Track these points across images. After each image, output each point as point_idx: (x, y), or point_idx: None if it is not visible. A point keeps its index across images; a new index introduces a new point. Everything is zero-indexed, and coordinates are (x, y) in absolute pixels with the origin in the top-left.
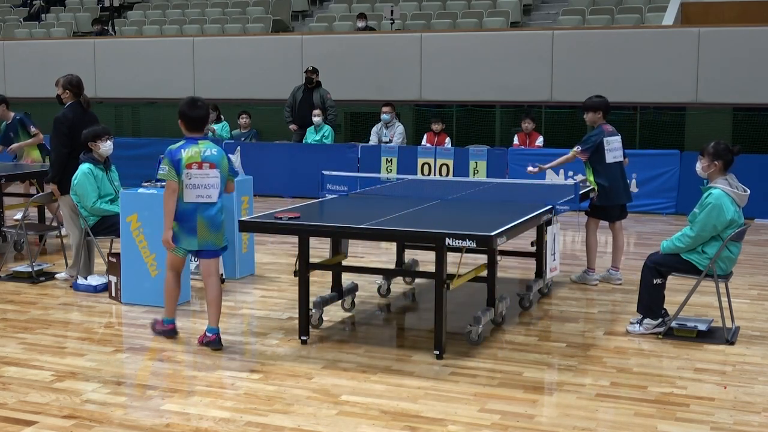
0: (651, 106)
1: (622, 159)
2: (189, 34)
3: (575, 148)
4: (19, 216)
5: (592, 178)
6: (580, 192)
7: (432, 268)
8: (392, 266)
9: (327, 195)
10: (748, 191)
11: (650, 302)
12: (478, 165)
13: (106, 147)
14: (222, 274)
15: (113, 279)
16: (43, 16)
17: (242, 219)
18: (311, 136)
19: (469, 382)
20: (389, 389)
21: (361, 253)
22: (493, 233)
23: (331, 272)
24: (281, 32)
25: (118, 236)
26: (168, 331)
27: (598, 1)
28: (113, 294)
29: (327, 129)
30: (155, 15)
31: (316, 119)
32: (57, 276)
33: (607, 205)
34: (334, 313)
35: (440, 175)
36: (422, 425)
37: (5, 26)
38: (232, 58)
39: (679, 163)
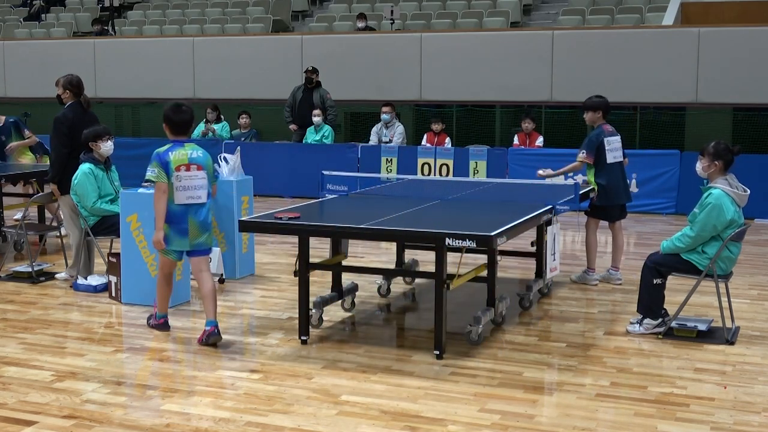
0: (651, 106)
1: (622, 159)
2: (189, 34)
3: (580, 155)
4: (19, 216)
5: (592, 179)
6: (580, 192)
7: (432, 268)
8: (392, 266)
9: (327, 195)
10: (748, 191)
11: (650, 302)
12: (478, 165)
13: (106, 147)
14: (222, 274)
15: (113, 279)
16: (43, 16)
17: (242, 219)
18: (311, 136)
19: (469, 382)
20: (389, 389)
21: (361, 253)
22: (493, 233)
23: (331, 272)
24: (281, 32)
25: (118, 236)
26: (160, 325)
27: (598, 1)
28: (113, 294)
29: (327, 129)
30: (155, 15)
31: (316, 119)
32: (57, 276)
33: (606, 205)
34: (334, 313)
35: (440, 175)
36: (422, 425)
37: (5, 26)
38: (232, 58)
39: (679, 163)
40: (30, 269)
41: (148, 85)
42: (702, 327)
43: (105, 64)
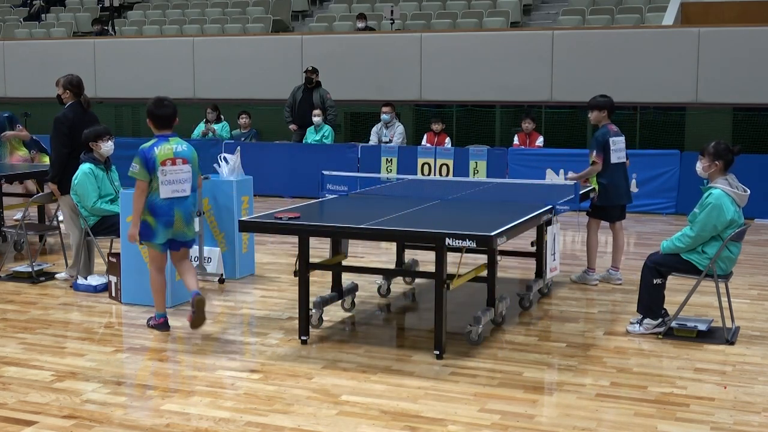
0: (651, 106)
1: (625, 160)
2: (189, 34)
3: (593, 156)
4: (19, 216)
5: (594, 178)
6: (580, 192)
7: (432, 268)
8: (392, 266)
9: (327, 195)
10: (748, 191)
11: (650, 302)
12: (478, 165)
13: (107, 147)
14: (222, 274)
15: (113, 279)
16: (43, 16)
17: (242, 219)
18: (311, 136)
19: (469, 382)
20: (389, 389)
21: (361, 253)
22: (493, 233)
23: (331, 272)
24: (281, 32)
25: (118, 236)
26: (160, 324)
27: (598, 1)
28: (113, 294)
29: (327, 129)
30: (155, 15)
31: (316, 119)
32: (57, 276)
33: (607, 205)
34: (334, 313)
35: (440, 175)
36: (422, 425)
37: (5, 26)
38: (232, 58)
39: (679, 163)
40: (30, 269)
41: (148, 85)
42: (702, 327)
43: (105, 64)
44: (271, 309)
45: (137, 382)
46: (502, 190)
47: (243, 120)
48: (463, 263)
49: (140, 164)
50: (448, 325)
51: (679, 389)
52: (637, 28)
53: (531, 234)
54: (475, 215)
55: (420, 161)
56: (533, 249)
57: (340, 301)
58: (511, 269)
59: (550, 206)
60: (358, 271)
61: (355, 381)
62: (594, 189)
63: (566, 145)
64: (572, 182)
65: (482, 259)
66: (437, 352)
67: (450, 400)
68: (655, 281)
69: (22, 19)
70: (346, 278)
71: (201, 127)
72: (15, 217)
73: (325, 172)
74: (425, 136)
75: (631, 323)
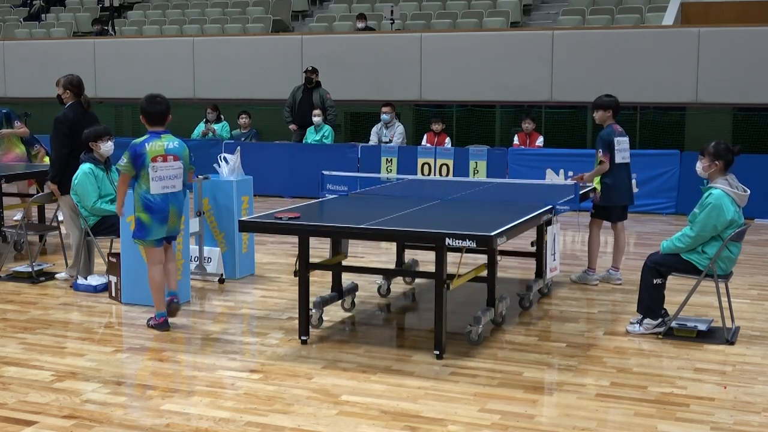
0: (651, 106)
1: (629, 161)
2: (189, 34)
3: (599, 155)
4: (19, 216)
5: (597, 178)
6: (580, 192)
7: (432, 268)
8: (392, 266)
9: (327, 195)
10: (748, 191)
11: (650, 302)
12: (478, 165)
13: (107, 147)
14: (222, 274)
15: (113, 279)
16: (43, 16)
17: (242, 219)
18: (311, 136)
19: (469, 382)
20: (389, 389)
21: (361, 253)
22: (493, 233)
23: (331, 272)
24: (281, 32)
25: (118, 236)
26: (160, 324)
27: (598, 1)
28: (113, 294)
29: (327, 129)
30: (155, 15)
31: (316, 119)
32: (57, 276)
33: (608, 205)
34: (334, 313)
35: (440, 175)
36: (422, 425)
37: (5, 26)
38: (232, 58)
39: (679, 163)
40: (30, 269)
41: (148, 85)
42: (702, 327)
43: (105, 64)
44: (271, 309)
45: (137, 382)
46: (502, 190)
47: (243, 120)
48: (463, 263)
49: (128, 159)
50: (448, 325)
51: (679, 389)
52: (637, 28)
53: (531, 234)
54: (475, 215)
55: (420, 161)
56: (533, 249)
57: (340, 301)
58: (511, 269)
59: (550, 206)
60: (358, 271)
61: (355, 381)
62: (594, 189)
63: (566, 145)
64: (582, 183)
65: (482, 259)
66: (437, 352)
67: (450, 400)
68: (655, 281)
69: (22, 19)
70: (346, 278)
71: (201, 127)
72: (15, 217)
73: (325, 172)
74: (425, 136)
75: (631, 323)
